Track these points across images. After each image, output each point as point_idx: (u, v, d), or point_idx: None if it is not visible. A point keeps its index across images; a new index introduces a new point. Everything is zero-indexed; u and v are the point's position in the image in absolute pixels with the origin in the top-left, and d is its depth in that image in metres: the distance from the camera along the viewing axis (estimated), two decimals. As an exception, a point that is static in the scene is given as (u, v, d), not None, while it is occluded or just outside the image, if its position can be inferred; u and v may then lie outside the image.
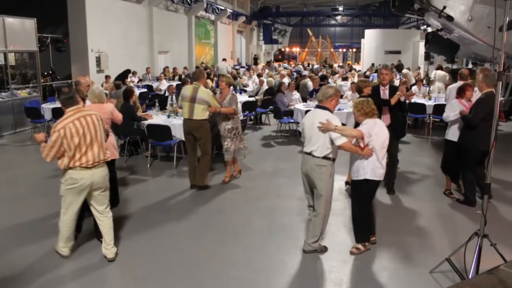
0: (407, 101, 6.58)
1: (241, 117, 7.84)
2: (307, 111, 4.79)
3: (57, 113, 8.21)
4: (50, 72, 14.67)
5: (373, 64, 22.40)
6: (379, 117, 4.53)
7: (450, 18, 8.42)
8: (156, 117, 7.75)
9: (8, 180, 6.61)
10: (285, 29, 41.54)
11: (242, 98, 10.95)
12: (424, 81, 14.19)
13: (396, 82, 12.40)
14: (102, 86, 11.80)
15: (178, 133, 6.98)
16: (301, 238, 4.37)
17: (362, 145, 3.92)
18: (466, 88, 5.47)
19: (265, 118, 11.57)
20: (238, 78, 14.82)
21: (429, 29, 18.10)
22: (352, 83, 11.50)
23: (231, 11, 27.48)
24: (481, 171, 5.21)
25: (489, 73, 5.18)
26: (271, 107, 10.76)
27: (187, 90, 5.89)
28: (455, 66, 17.53)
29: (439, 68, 13.62)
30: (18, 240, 4.47)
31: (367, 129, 3.91)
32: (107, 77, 13.21)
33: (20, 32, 10.38)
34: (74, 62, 14.43)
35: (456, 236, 4.46)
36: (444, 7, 8.38)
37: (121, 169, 6.82)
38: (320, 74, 15.44)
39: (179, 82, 13.47)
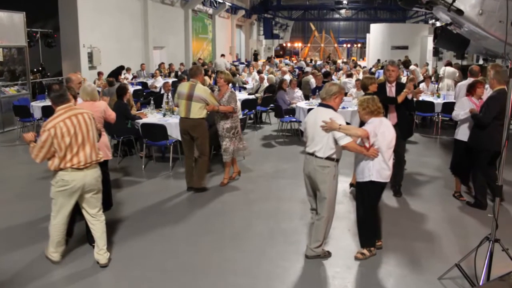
0: (415, 99, 6.57)
1: (241, 116, 7.85)
2: (309, 110, 4.80)
3: (47, 112, 8.21)
4: (40, 68, 14.68)
5: (379, 60, 22.42)
6: (385, 116, 4.54)
7: (460, 12, 8.42)
8: (151, 116, 7.75)
9: (-5, 182, 6.62)
10: (287, 23, 41.57)
11: (242, 95, 10.97)
12: (433, 78, 14.20)
13: (403, 79, 12.41)
14: (94, 83, 11.81)
15: (174, 133, 6.98)
16: (303, 243, 4.37)
17: (367, 145, 3.92)
18: (477, 85, 5.47)
19: (265, 117, 11.58)
20: (237, 75, 14.83)
21: (438, 24, 18.10)
22: (357, 80, 11.50)
23: (230, 4, 27.49)
24: (493, 173, 5.21)
25: (501, 70, 5.19)
26: (271, 105, 10.77)
27: (183, 87, 5.89)
28: (465, 62, 17.50)
29: (448, 64, 13.62)
30: (6, 245, 4.46)
31: (372, 128, 3.91)
32: (99, 73, 13.22)
33: (8, 27, 10.38)
34: (65, 58, 14.43)
35: (466, 241, 4.46)
36: (454, 0, 8.38)
37: (114, 170, 6.83)
38: (323, 70, 15.44)
39: (175, 79, 13.49)
